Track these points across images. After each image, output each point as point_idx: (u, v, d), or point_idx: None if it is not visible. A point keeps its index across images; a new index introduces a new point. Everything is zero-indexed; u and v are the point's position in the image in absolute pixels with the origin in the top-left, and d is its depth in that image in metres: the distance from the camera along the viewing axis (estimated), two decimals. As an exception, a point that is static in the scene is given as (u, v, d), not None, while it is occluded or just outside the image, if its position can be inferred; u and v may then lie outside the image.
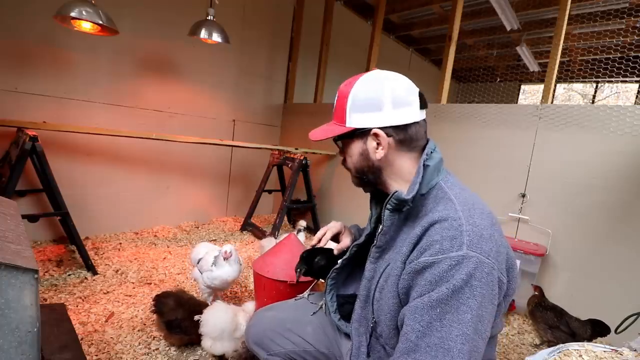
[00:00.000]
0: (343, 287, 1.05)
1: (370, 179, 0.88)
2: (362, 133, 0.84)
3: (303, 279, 1.15)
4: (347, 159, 0.90)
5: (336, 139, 0.88)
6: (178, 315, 1.50)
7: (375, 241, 0.85)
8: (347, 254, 1.00)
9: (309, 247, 1.13)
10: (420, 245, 0.72)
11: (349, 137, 0.87)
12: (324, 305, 1.07)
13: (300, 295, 1.17)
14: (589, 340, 1.72)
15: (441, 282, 0.66)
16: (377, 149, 0.83)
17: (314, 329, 1.04)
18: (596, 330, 1.74)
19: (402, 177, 0.84)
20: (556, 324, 1.82)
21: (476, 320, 0.65)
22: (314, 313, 1.07)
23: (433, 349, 0.64)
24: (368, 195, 0.99)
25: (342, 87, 0.86)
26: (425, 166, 0.79)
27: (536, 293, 2.00)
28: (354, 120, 0.83)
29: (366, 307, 0.87)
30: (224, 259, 1.70)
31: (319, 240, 1.09)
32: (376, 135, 0.82)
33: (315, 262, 1.10)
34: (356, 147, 0.86)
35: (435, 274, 0.67)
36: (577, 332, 1.76)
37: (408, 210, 0.79)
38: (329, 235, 1.08)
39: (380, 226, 0.82)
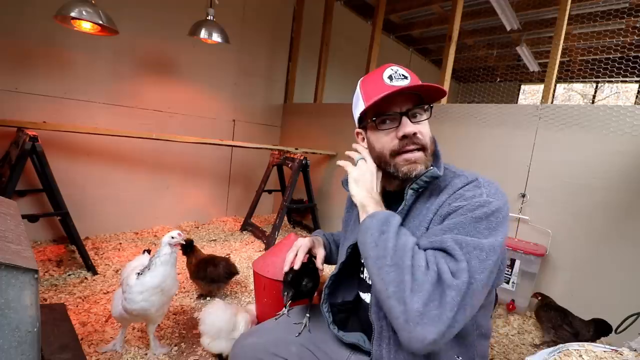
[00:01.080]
0: (333, 296, 1.01)
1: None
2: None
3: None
4: None
5: None
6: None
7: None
8: (344, 257, 0.96)
9: (287, 270, 1.03)
10: (447, 201, 0.80)
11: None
12: (307, 322, 1.03)
13: (280, 312, 1.13)
14: (592, 339, 1.72)
15: (479, 208, 0.74)
16: None
17: (298, 348, 0.99)
18: (599, 329, 1.75)
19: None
20: (560, 323, 1.83)
21: (500, 249, 0.70)
22: (299, 334, 1.03)
23: (465, 245, 0.69)
24: None
25: None
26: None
27: (539, 298, 2.00)
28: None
29: None
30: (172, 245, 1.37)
31: (293, 263, 1.02)
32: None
33: (303, 286, 1.04)
34: None
35: (470, 206, 0.75)
36: (581, 332, 1.76)
37: (425, 189, 0.86)
38: (300, 255, 1.02)
39: (403, 203, 0.85)
